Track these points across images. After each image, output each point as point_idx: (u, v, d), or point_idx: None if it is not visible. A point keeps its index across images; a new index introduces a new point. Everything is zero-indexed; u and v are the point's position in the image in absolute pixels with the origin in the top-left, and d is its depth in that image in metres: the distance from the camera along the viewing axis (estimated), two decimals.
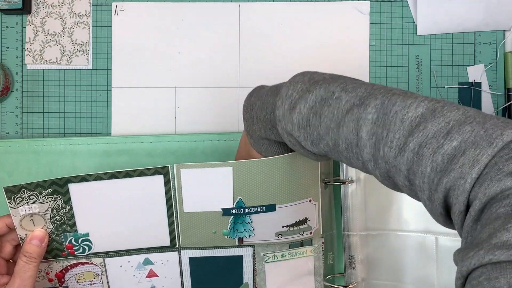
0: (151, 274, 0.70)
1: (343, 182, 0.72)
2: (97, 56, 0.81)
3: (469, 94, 0.79)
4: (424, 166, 0.44)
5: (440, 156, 0.43)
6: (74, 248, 0.67)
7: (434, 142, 0.44)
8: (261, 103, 0.58)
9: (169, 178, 0.64)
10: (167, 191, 0.65)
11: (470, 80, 0.80)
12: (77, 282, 0.70)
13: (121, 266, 0.70)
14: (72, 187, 0.64)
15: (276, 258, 0.71)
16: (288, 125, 0.54)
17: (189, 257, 0.70)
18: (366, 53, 0.80)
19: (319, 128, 0.51)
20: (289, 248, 0.70)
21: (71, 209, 0.65)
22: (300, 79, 0.55)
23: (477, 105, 0.79)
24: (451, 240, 0.68)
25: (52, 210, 0.64)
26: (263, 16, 0.81)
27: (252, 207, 0.65)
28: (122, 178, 0.64)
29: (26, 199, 0.63)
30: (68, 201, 0.64)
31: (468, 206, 0.42)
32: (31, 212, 0.64)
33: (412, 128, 0.45)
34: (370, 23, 0.80)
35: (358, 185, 0.72)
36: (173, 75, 0.80)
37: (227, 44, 0.81)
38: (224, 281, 0.71)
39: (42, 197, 0.64)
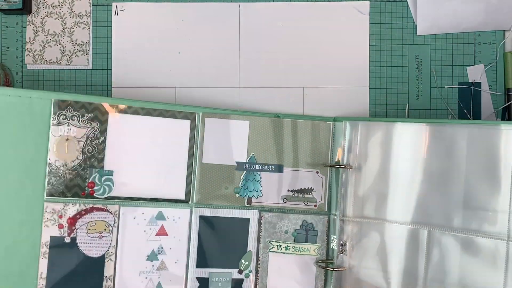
0: (161, 232, 0.72)
1: (343, 166, 0.73)
2: (97, 56, 0.81)
3: (469, 94, 0.79)
4: None
5: None
6: (95, 188, 0.69)
7: None
8: None
9: (195, 125, 0.72)
10: (191, 138, 0.72)
11: (470, 80, 0.80)
12: (87, 233, 0.70)
13: (134, 218, 0.71)
14: (111, 116, 0.70)
15: (280, 248, 0.73)
16: None
17: (200, 216, 0.72)
18: (366, 53, 0.80)
19: None
20: (294, 242, 0.73)
21: (104, 140, 0.70)
22: None
23: (477, 105, 0.79)
24: (443, 234, 0.68)
25: (87, 138, 0.69)
26: (263, 16, 0.81)
27: (262, 164, 0.73)
28: (155, 116, 0.71)
29: (68, 119, 0.68)
30: (104, 131, 0.69)
31: None
32: (68, 134, 0.68)
33: None
34: (370, 23, 0.80)
35: (357, 172, 0.73)
36: (173, 75, 0.80)
37: (227, 44, 0.81)
38: (229, 248, 0.73)
39: (83, 121, 0.69)
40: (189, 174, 0.72)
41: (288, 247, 0.74)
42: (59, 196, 0.69)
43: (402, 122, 0.71)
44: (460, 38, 0.80)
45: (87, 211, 0.70)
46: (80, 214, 0.69)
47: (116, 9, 0.81)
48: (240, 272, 0.73)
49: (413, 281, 0.69)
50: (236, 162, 0.73)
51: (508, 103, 0.79)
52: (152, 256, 0.72)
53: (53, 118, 0.68)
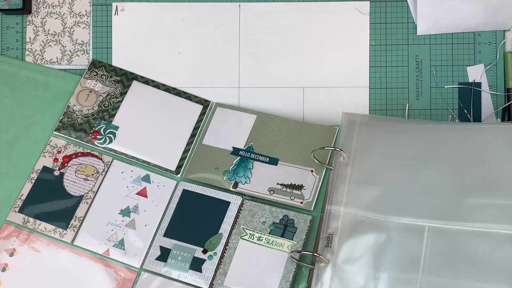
0: (142, 193, 0.74)
1: (338, 149, 0.69)
2: (97, 56, 0.81)
3: (469, 94, 0.79)
4: None
5: None
6: (98, 137, 0.75)
7: None
8: None
9: (206, 111, 0.78)
10: (198, 121, 0.77)
11: (470, 80, 0.80)
12: (76, 172, 0.74)
13: (122, 173, 0.75)
14: (135, 84, 0.78)
15: (252, 237, 0.70)
16: None
17: (184, 189, 0.74)
18: (366, 53, 0.80)
19: None
20: (269, 234, 0.70)
21: (121, 101, 0.77)
22: None
23: (477, 105, 0.79)
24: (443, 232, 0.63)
25: (107, 94, 0.77)
26: (263, 16, 0.81)
27: (258, 154, 0.74)
28: (173, 94, 0.78)
29: (98, 76, 0.78)
30: (124, 93, 0.77)
31: None
32: (93, 88, 0.77)
33: None
34: (370, 23, 0.80)
35: (354, 164, 0.69)
36: (173, 75, 0.81)
37: (227, 44, 0.81)
38: (201, 226, 0.72)
39: (109, 81, 0.78)
40: (186, 151, 0.76)
41: (261, 238, 0.70)
42: (65, 135, 0.76)
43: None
44: (460, 38, 0.80)
45: (84, 154, 0.75)
46: (76, 155, 0.75)
47: (116, 9, 0.81)
48: (205, 251, 0.70)
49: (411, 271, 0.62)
50: (233, 147, 0.75)
51: (508, 103, 0.79)
52: (125, 212, 0.73)
53: (86, 73, 0.79)
